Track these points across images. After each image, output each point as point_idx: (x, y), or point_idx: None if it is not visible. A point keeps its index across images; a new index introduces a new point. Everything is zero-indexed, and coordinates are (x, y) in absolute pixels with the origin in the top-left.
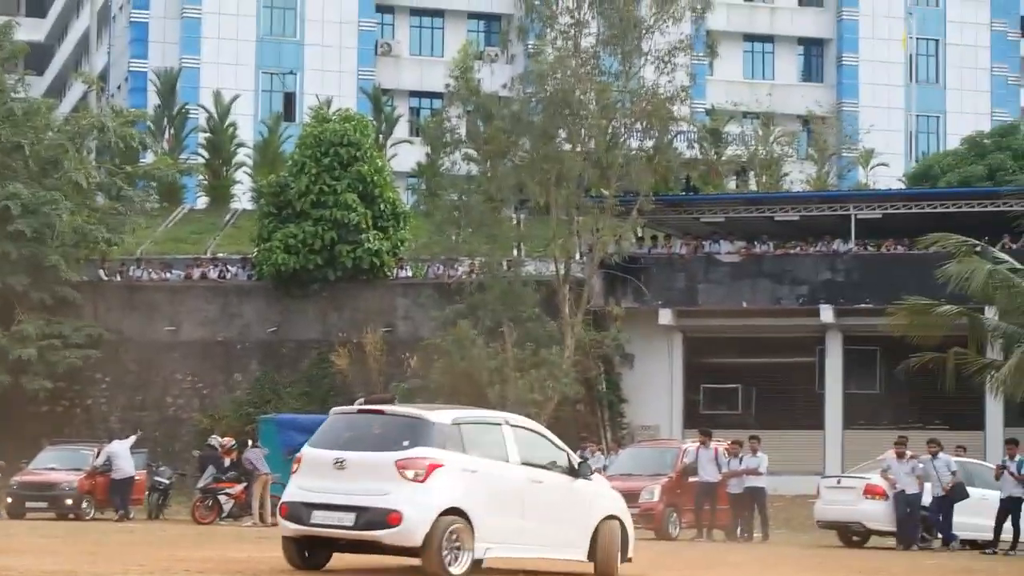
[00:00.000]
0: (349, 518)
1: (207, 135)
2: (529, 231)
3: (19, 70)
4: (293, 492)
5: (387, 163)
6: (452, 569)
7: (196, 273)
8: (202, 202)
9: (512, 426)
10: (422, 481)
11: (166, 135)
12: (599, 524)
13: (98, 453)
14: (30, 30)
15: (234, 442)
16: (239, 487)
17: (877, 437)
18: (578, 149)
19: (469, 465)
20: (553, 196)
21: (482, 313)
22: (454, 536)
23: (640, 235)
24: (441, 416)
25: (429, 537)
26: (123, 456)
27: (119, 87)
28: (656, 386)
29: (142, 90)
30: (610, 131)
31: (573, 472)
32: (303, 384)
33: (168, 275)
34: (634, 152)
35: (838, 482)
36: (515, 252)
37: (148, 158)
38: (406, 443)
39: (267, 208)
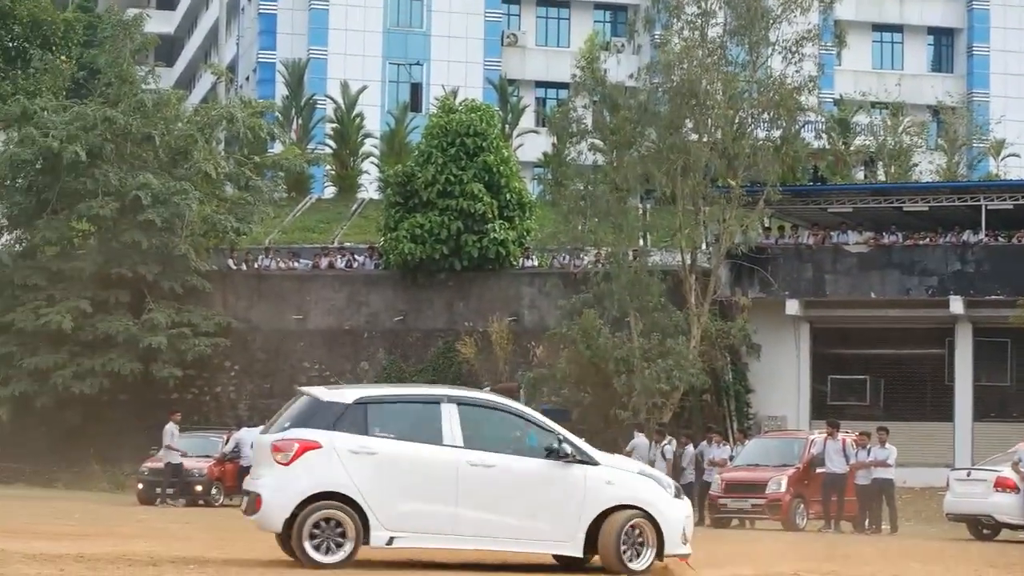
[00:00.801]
0: (244, 503)
1: (334, 125)
2: (655, 221)
3: (149, 62)
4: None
5: (513, 153)
6: (321, 558)
7: (323, 262)
8: (329, 192)
9: (460, 404)
10: (287, 464)
11: (294, 125)
12: (604, 515)
13: (227, 440)
14: (160, 23)
15: None
16: None
17: (1008, 430)
18: (704, 139)
19: (365, 446)
20: (679, 186)
21: (608, 303)
22: (332, 523)
23: (767, 225)
24: (339, 395)
25: (290, 523)
26: (251, 443)
27: (247, 78)
28: (783, 377)
29: (270, 81)
30: (737, 121)
31: (563, 456)
32: (429, 373)
33: (296, 264)
34: (761, 142)
35: (968, 475)
36: (641, 242)
37: (276, 148)
38: (288, 424)
39: (394, 198)
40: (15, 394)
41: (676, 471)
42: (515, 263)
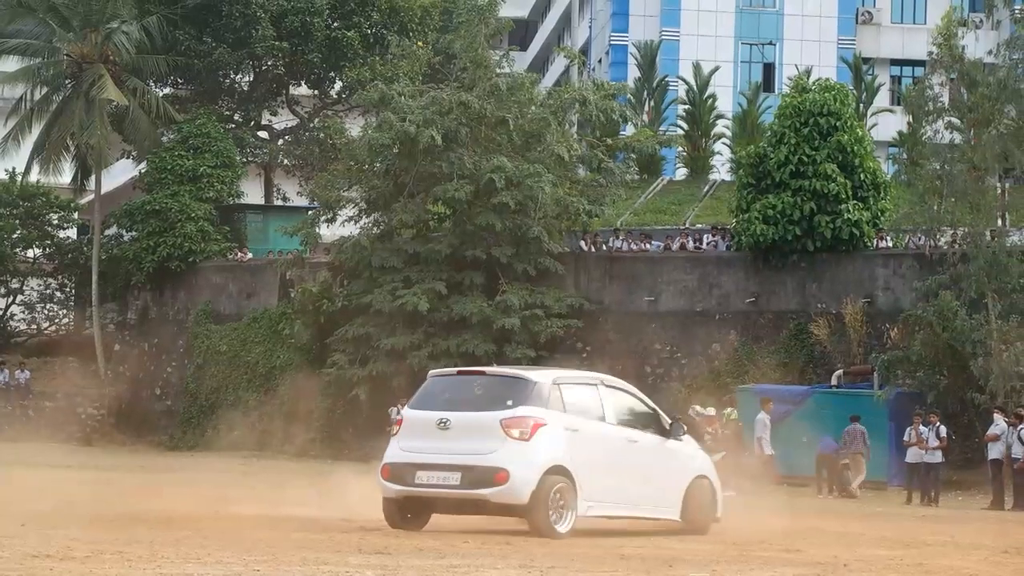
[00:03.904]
0: (455, 477)
1: (686, 107)
2: (1014, 200)
3: (503, 46)
4: (396, 453)
5: (867, 133)
6: (558, 527)
7: (675, 244)
8: (681, 173)
9: (607, 387)
10: (527, 440)
11: (646, 107)
12: (691, 484)
13: None
14: (514, 7)
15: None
16: (717, 456)
17: None
18: None
19: (571, 424)
20: None
21: (965, 284)
22: (558, 495)
23: None
24: (542, 376)
25: (535, 495)
26: None
27: (600, 61)
28: None
29: (623, 63)
30: None
31: (664, 433)
32: (781, 355)
33: (648, 246)
34: None
35: None
36: (999, 222)
37: (628, 130)
38: (510, 403)
39: (746, 179)
40: (372, 374)
41: None
42: (869, 244)
